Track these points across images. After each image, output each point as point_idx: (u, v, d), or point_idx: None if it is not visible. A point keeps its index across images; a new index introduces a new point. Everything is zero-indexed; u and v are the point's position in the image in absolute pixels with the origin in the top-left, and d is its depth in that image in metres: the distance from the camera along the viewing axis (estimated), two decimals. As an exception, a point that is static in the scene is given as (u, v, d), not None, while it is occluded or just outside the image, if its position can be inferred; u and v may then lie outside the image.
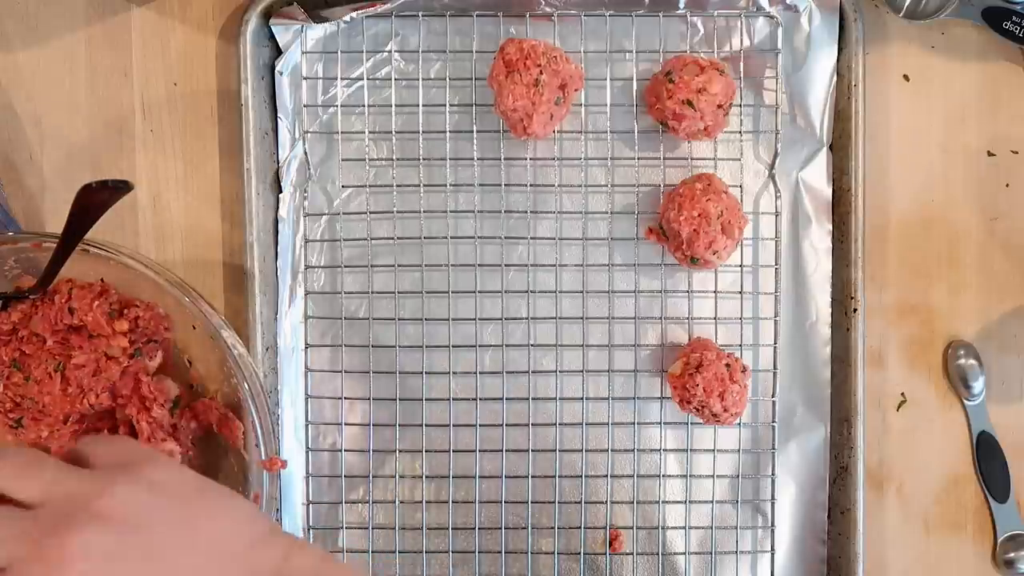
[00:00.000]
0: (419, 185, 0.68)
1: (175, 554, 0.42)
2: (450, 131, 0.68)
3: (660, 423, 0.68)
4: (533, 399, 0.68)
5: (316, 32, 0.67)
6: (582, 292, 0.68)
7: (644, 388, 0.68)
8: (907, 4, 0.66)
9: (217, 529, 0.44)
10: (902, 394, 0.69)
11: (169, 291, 0.61)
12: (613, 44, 0.68)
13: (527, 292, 0.68)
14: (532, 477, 0.68)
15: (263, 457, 0.61)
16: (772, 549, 0.68)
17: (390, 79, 0.68)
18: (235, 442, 0.63)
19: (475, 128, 0.68)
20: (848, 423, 0.67)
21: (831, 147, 0.68)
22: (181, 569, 0.42)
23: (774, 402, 0.68)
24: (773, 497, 0.68)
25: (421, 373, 0.68)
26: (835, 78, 0.67)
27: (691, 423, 0.68)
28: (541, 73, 0.62)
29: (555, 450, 0.68)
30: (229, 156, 0.68)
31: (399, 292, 0.68)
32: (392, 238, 0.68)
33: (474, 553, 0.68)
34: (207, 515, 0.44)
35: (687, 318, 0.68)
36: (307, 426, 0.69)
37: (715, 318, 0.68)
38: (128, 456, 0.44)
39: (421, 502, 0.69)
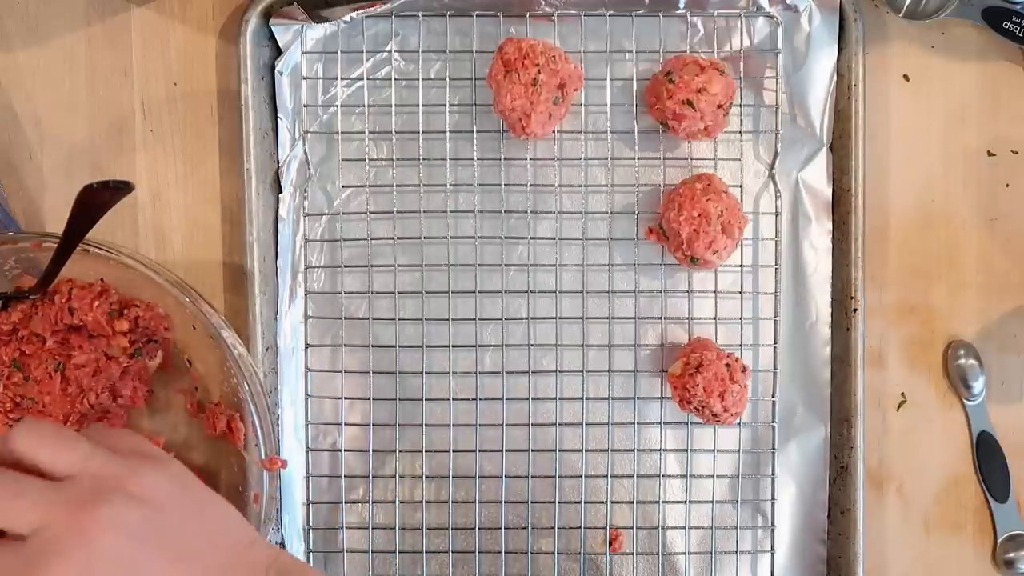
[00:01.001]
0: (419, 185, 0.68)
1: (186, 540, 0.45)
2: (450, 131, 0.68)
3: (660, 423, 0.68)
4: (533, 399, 0.68)
5: (316, 32, 0.67)
6: (582, 292, 0.68)
7: (644, 388, 0.68)
8: (907, 4, 0.66)
9: (222, 524, 0.48)
10: (902, 394, 0.69)
11: (169, 291, 0.61)
12: (613, 44, 0.67)
13: (527, 292, 0.68)
14: (532, 477, 0.68)
15: (263, 457, 0.61)
16: (772, 549, 0.68)
17: (390, 79, 0.68)
18: (235, 442, 0.63)
19: (475, 128, 0.68)
20: (848, 423, 0.67)
21: (831, 147, 0.68)
22: (189, 554, 0.45)
23: (774, 402, 0.68)
24: (773, 497, 0.68)
25: (421, 373, 0.68)
26: (835, 78, 0.67)
27: (691, 423, 0.68)
28: (539, 73, 0.62)
29: (555, 450, 0.68)
30: (229, 156, 0.68)
31: (399, 292, 0.68)
32: (392, 238, 0.68)
33: (474, 553, 0.68)
34: (214, 511, 0.48)
35: (687, 318, 0.68)
36: (307, 426, 0.69)
37: (715, 318, 0.68)
38: (145, 449, 0.48)
39: (421, 502, 0.69)
